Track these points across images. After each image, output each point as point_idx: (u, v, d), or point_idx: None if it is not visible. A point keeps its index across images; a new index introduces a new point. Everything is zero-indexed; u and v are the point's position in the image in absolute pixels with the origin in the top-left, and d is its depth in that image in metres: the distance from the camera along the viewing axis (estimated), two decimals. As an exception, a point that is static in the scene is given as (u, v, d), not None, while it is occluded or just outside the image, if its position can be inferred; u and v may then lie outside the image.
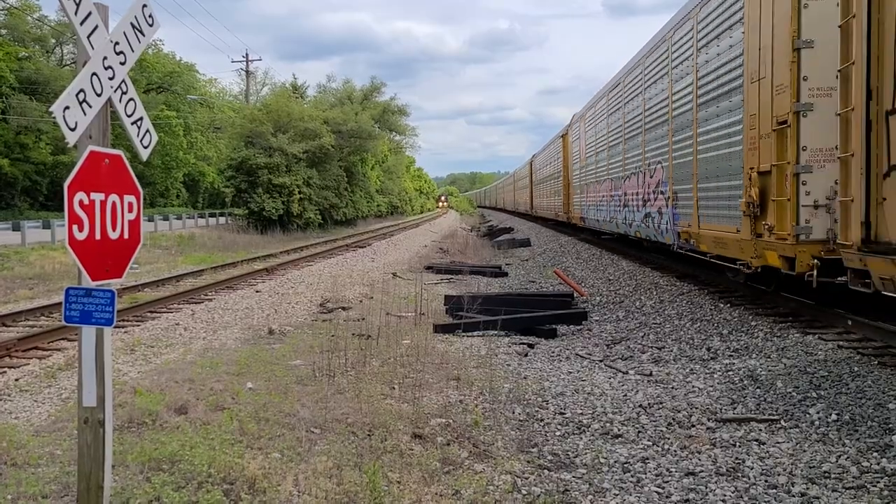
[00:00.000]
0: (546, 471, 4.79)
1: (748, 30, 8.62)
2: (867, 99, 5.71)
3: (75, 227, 3.46)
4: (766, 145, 8.14)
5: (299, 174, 37.80)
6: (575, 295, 12.82)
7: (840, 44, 6.19)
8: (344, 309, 11.77)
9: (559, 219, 28.85)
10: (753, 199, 8.35)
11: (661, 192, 12.75)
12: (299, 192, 37.66)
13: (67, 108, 3.38)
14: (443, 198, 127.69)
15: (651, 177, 13.55)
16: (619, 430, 5.63)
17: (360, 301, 12.67)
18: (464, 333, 9.53)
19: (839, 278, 6.59)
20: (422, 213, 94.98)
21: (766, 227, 8.10)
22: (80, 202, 3.49)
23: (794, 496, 4.32)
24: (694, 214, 10.82)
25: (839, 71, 6.24)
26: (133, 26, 3.86)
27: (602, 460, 4.98)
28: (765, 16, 8.16)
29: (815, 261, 7.30)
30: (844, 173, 6.15)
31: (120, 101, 3.78)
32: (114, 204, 3.71)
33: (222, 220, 44.49)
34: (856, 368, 6.72)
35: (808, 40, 7.42)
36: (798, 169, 7.49)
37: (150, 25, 3.99)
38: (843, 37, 6.17)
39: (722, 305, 10.26)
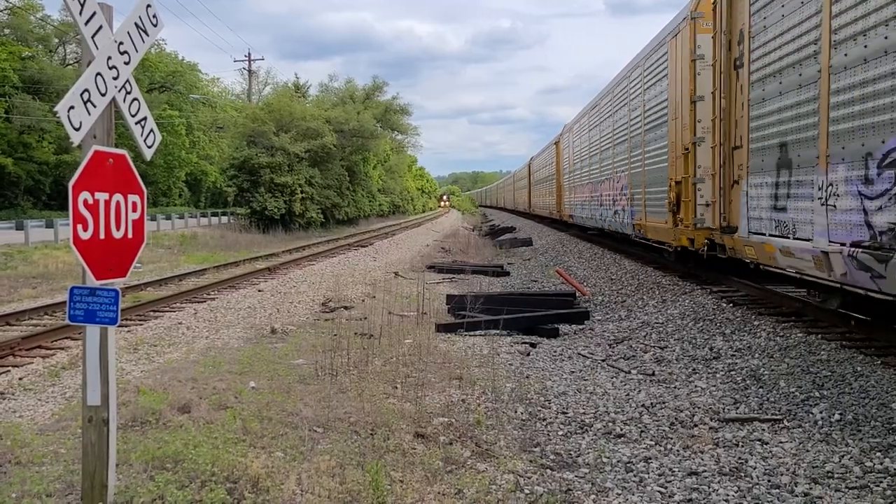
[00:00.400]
0: (549, 470, 4.79)
1: (670, 83, 12.19)
2: (723, 139, 9.37)
3: (79, 227, 3.48)
4: (679, 163, 11.60)
5: (301, 173, 37.82)
6: (577, 294, 12.82)
7: (712, 103, 9.99)
8: (346, 308, 11.78)
9: (553, 216, 32.16)
10: (672, 200, 11.95)
11: (624, 195, 16.14)
12: (301, 192, 37.68)
13: (72, 107, 3.39)
14: (444, 197, 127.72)
15: (617, 182, 16.94)
16: (621, 429, 5.63)
17: (363, 300, 12.68)
18: (466, 333, 9.53)
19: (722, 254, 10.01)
20: (424, 212, 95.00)
21: (680, 219, 11.65)
22: (85, 202, 3.50)
23: (797, 496, 4.32)
24: (643, 211, 14.35)
25: (712, 120, 10.08)
26: (137, 26, 3.87)
27: (605, 460, 4.98)
28: (677, 76, 11.69)
29: (706, 241, 10.64)
30: (713, 185, 10.13)
31: (124, 100, 3.79)
32: (118, 203, 3.73)
33: (224, 219, 44.54)
34: (859, 368, 6.72)
35: (700, 96, 10.73)
36: (695, 180, 10.96)
37: (155, 25, 4.00)
38: (712, 100, 10.04)
39: (724, 305, 10.25)
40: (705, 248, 10.67)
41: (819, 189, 6.63)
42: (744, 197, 8.64)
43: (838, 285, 7.29)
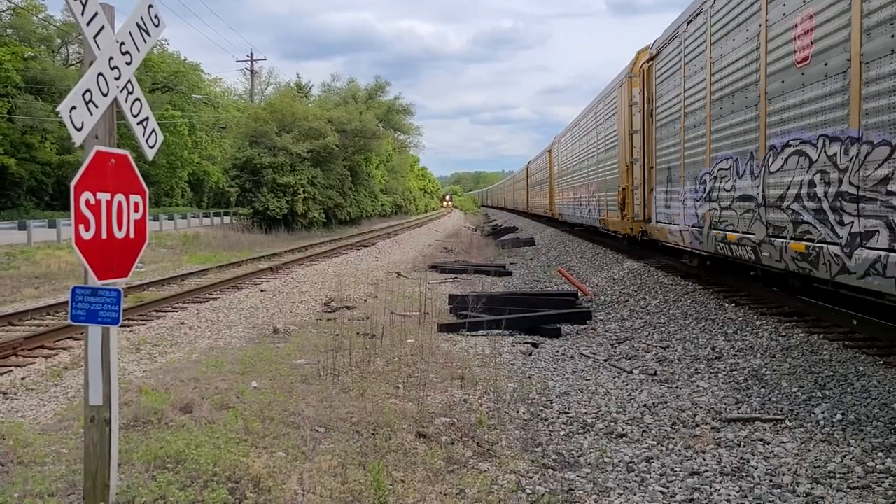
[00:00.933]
0: (550, 470, 4.79)
1: (618, 118, 16.75)
2: (646, 160, 13.97)
3: (81, 227, 3.48)
4: (624, 175, 16.02)
5: (304, 173, 37.85)
6: (579, 294, 12.82)
7: (641, 136, 14.45)
8: (348, 308, 11.78)
9: (546, 214, 36.67)
10: (621, 202, 16.25)
11: (594, 197, 20.90)
12: (304, 192, 37.71)
13: (74, 108, 3.40)
14: (447, 197, 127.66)
15: (590, 187, 21.67)
16: (623, 429, 5.63)
17: (365, 300, 12.69)
18: (468, 333, 9.53)
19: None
20: (426, 212, 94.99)
21: (626, 214, 15.90)
22: (87, 202, 3.51)
23: (798, 496, 4.32)
24: (605, 209, 18.85)
25: (640, 147, 14.50)
26: (139, 26, 3.88)
27: (606, 460, 4.98)
28: (622, 114, 16.21)
29: (641, 229, 14.73)
30: (642, 191, 14.45)
31: (126, 100, 3.80)
32: (120, 203, 3.73)
33: (227, 219, 44.58)
34: (861, 368, 6.71)
35: (636, 130, 15.04)
36: (633, 188, 15.32)
37: (156, 26, 4.01)
38: (641, 134, 14.45)
39: (727, 305, 10.24)
40: (640, 234, 14.87)
41: (681, 195, 11.49)
42: (654, 199, 13.44)
43: (689, 249, 11.85)
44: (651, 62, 13.55)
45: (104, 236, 3.62)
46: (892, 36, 5.49)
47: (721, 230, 9.49)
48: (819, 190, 6.67)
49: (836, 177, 6.33)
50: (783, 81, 7.50)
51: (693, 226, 10.67)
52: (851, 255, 6.05)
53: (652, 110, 13.45)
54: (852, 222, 6.07)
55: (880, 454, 4.88)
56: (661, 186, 12.73)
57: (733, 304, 10.21)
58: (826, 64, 6.54)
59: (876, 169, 5.69)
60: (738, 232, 8.90)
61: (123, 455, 4.37)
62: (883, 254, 5.57)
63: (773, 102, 7.76)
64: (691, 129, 10.79)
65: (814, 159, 6.79)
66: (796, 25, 7.15)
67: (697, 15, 10.45)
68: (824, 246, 6.55)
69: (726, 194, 9.30)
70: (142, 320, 11.30)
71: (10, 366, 8.31)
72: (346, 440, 5.02)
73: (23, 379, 7.68)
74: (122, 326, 8.17)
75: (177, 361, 8.09)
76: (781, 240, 7.57)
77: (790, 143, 7.34)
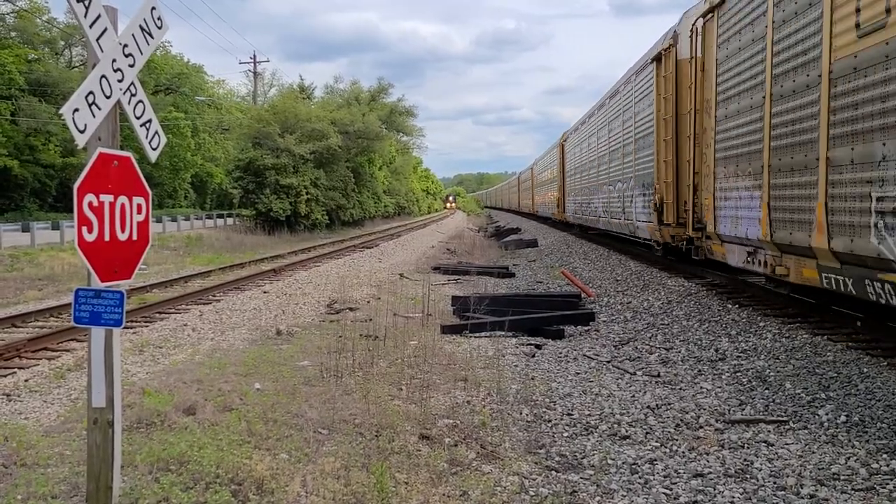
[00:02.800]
0: (554, 472, 4.78)
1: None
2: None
3: (84, 229, 3.48)
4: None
5: (307, 175, 37.88)
6: (582, 295, 12.80)
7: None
8: (351, 310, 11.78)
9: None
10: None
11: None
12: (307, 193, 37.74)
13: (77, 110, 3.40)
14: (450, 198, 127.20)
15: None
16: (626, 431, 5.62)
17: (368, 302, 12.69)
18: (471, 334, 9.52)
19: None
20: (429, 213, 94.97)
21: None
22: (90, 204, 3.51)
23: (803, 498, 4.30)
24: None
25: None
26: (142, 28, 3.88)
27: (610, 461, 4.97)
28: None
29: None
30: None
31: (129, 102, 3.80)
32: (123, 205, 3.73)
33: (230, 220, 44.59)
34: (865, 370, 6.69)
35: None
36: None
37: (159, 28, 4.01)
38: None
39: (730, 306, 10.22)
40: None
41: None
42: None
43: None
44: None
45: (107, 238, 3.62)
46: None
47: None
48: None
49: None
50: None
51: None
52: None
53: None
54: None
55: (885, 456, 4.86)
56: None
57: (737, 305, 10.19)
58: None
59: None
60: None
61: (126, 457, 4.37)
62: None
63: None
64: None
65: None
66: None
67: None
68: None
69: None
70: (145, 322, 11.31)
71: (14, 367, 8.32)
72: (349, 442, 5.01)
73: (26, 381, 7.69)
74: (125, 328, 8.17)
75: (180, 363, 8.09)
76: None
77: None
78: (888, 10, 5.50)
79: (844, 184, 6.23)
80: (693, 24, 11.00)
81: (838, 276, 6.57)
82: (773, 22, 7.79)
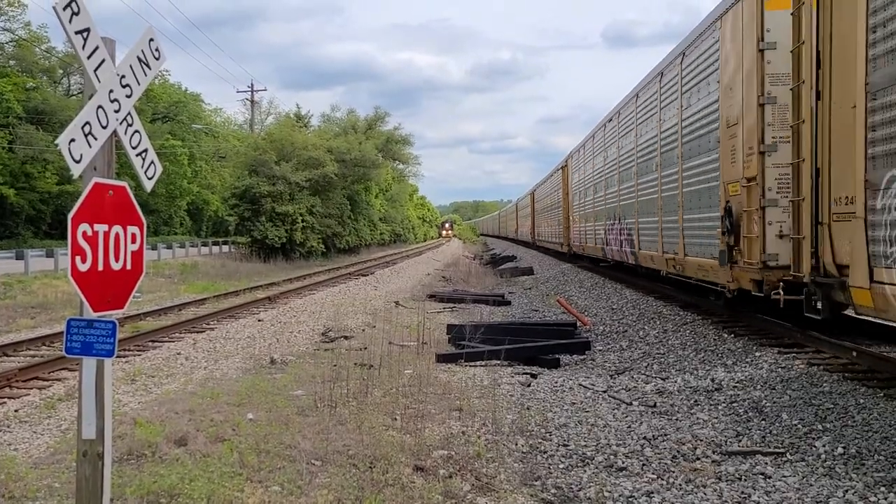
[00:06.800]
0: (549, 505, 4.72)
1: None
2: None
3: (78, 259, 3.47)
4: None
5: (302, 202, 37.96)
6: (578, 324, 12.77)
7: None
8: (346, 338, 11.73)
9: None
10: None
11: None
12: (302, 221, 37.78)
13: (73, 140, 3.40)
14: (447, 224, 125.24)
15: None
16: (623, 462, 5.57)
17: (363, 330, 12.63)
18: (466, 363, 9.47)
19: None
20: (425, 240, 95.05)
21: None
22: (84, 233, 3.50)
23: (801, 532, 4.25)
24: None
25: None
26: (140, 59, 3.90)
27: (606, 494, 4.91)
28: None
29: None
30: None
31: (125, 133, 3.81)
32: (117, 235, 3.72)
33: (225, 248, 44.56)
34: (861, 401, 6.66)
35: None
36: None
37: (157, 59, 4.03)
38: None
39: (726, 336, 10.20)
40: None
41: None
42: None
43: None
44: None
45: (101, 268, 3.60)
46: None
47: None
48: None
49: None
50: None
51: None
52: None
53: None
54: None
55: (882, 489, 4.82)
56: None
57: (732, 335, 10.18)
58: None
59: None
60: None
61: (116, 489, 4.31)
62: None
63: None
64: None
65: None
66: None
67: None
68: None
69: None
70: (138, 350, 11.23)
71: (4, 397, 8.23)
72: (342, 474, 4.96)
73: (16, 411, 7.60)
74: (118, 357, 8.10)
75: (172, 393, 8.02)
76: None
77: None
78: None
79: None
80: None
81: None
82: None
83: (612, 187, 17.86)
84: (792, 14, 7.25)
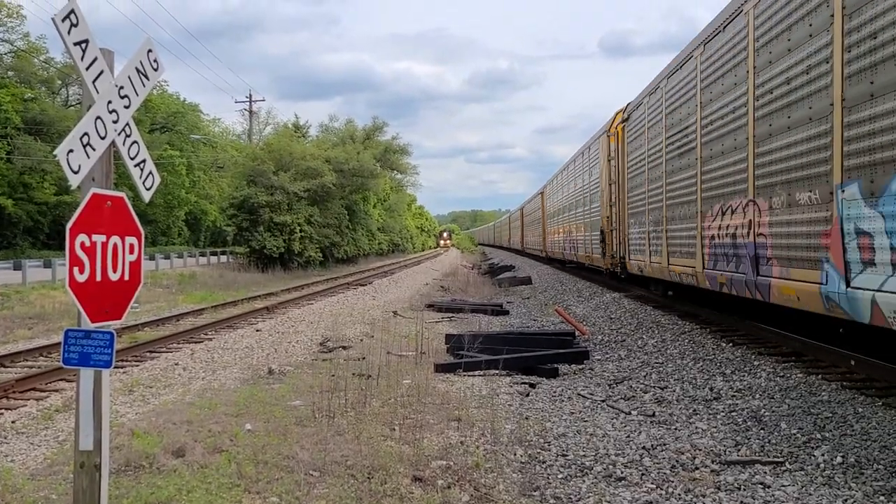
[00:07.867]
0: (548, 515, 4.70)
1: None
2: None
3: (76, 269, 3.47)
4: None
5: (301, 212, 37.99)
6: (576, 333, 12.76)
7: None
8: (344, 348, 11.71)
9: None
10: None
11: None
12: (300, 231, 37.80)
13: (71, 151, 3.41)
14: (446, 234, 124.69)
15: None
16: (622, 472, 5.55)
17: (361, 340, 12.62)
18: (465, 373, 9.45)
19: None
20: (423, 250, 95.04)
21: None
22: (82, 244, 3.50)
23: (801, 541, 4.24)
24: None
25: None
26: (138, 71, 3.92)
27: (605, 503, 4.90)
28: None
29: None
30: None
31: (123, 143, 3.82)
32: (115, 245, 3.72)
33: (223, 258, 44.54)
34: (860, 409, 6.65)
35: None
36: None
37: (155, 70, 4.05)
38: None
39: (724, 345, 10.20)
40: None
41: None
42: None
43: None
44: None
45: (98, 278, 3.60)
46: None
47: None
48: None
49: None
50: None
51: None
52: None
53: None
54: None
55: (882, 498, 4.81)
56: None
57: (731, 344, 10.17)
58: None
59: None
60: None
61: (113, 501, 4.29)
62: None
63: None
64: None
65: None
66: None
67: None
68: None
69: None
70: (136, 361, 11.20)
71: (1, 409, 8.21)
72: (340, 484, 4.94)
73: (13, 422, 7.58)
74: (115, 368, 8.10)
75: (170, 403, 7.99)
76: None
77: None
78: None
79: None
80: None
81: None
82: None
83: (567, 212, 27.09)
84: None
